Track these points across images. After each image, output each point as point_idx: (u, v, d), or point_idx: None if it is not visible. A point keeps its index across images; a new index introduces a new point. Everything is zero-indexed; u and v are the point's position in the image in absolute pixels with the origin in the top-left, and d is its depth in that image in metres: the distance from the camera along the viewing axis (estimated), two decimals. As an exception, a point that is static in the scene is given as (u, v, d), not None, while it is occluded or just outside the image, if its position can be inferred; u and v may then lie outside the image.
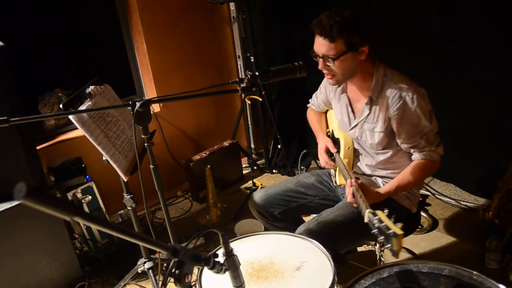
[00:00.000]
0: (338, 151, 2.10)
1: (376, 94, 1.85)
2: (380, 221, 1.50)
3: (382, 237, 1.47)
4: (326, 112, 2.39)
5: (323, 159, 2.17)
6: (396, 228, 1.44)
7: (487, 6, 2.56)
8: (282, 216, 2.17)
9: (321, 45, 1.77)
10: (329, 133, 2.29)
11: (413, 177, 1.88)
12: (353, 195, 1.76)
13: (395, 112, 1.80)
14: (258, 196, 2.20)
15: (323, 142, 2.20)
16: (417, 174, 1.88)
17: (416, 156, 1.88)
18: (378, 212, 1.55)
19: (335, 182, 2.13)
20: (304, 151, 2.75)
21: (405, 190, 1.96)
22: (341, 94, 2.05)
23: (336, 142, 2.16)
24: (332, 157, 2.14)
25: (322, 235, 1.83)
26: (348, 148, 2.07)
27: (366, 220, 1.60)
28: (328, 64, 1.80)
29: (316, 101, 2.33)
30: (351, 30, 1.70)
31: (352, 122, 2.02)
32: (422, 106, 1.77)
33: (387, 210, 1.56)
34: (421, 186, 2.09)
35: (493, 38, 2.60)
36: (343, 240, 1.97)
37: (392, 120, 1.83)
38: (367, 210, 1.60)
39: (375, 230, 1.51)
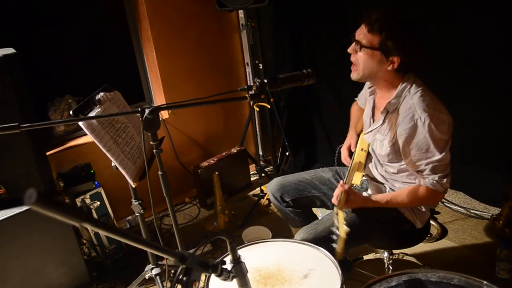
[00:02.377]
0: (356, 150, 2.14)
1: (393, 107, 1.81)
2: (338, 220, 1.61)
3: (335, 237, 1.58)
4: None
5: (343, 154, 2.24)
6: (342, 231, 1.56)
7: (504, 13, 2.55)
8: (294, 204, 2.23)
9: (360, 30, 1.78)
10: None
11: (407, 199, 1.83)
12: (337, 197, 1.82)
13: (402, 132, 1.76)
14: (275, 181, 2.30)
15: (349, 139, 2.26)
16: (413, 198, 1.83)
17: (419, 181, 1.83)
18: (339, 212, 1.65)
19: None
20: (341, 145, 2.74)
21: (396, 207, 1.91)
22: (369, 96, 2.05)
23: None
24: (352, 156, 2.17)
25: (320, 239, 1.83)
26: (362, 149, 2.09)
27: (333, 218, 1.70)
28: (356, 49, 1.79)
29: (362, 98, 2.31)
30: (392, 33, 1.69)
31: (369, 127, 2.02)
32: (433, 134, 1.69)
33: (345, 213, 1.66)
34: (431, 206, 2.02)
35: (505, 45, 2.59)
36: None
37: (399, 139, 1.79)
38: (335, 207, 1.70)
39: (333, 228, 1.63)
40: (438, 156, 1.72)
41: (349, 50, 1.83)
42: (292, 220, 2.30)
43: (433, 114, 1.70)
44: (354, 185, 2.07)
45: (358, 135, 2.28)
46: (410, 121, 1.73)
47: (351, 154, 2.22)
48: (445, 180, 1.77)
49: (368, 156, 2.09)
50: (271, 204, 3.55)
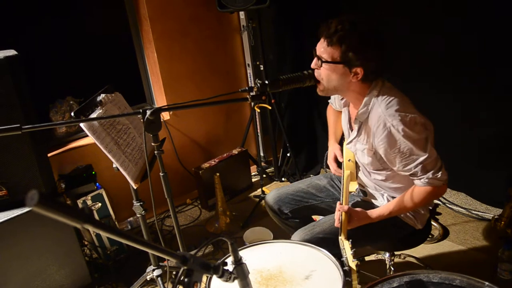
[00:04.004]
0: (343, 162, 2.11)
1: (364, 117, 1.78)
2: (345, 251, 1.55)
3: (347, 267, 1.50)
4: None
5: (332, 167, 2.19)
6: (352, 264, 1.49)
7: (504, 12, 2.54)
8: (293, 215, 2.20)
9: (320, 44, 1.73)
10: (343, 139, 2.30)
11: (412, 202, 1.79)
12: (339, 221, 1.76)
13: (380, 143, 1.72)
14: (271, 194, 2.26)
15: (332, 149, 2.22)
16: (418, 199, 1.78)
17: (417, 183, 1.77)
18: (345, 242, 1.59)
19: None
20: (328, 152, 2.76)
21: (401, 214, 1.89)
22: (344, 107, 2.02)
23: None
24: (340, 166, 2.15)
25: (315, 241, 1.82)
26: (349, 160, 2.06)
27: (340, 246, 1.63)
28: (318, 64, 1.74)
29: (334, 101, 2.26)
30: (351, 44, 1.63)
31: (348, 137, 2.00)
32: (410, 136, 1.65)
33: (351, 241, 1.59)
34: (428, 205, 2.00)
35: (505, 45, 2.59)
36: (337, 246, 1.96)
37: (379, 150, 1.76)
38: (340, 237, 1.64)
39: (343, 258, 1.56)
40: (423, 156, 1.68)
41: (312, 66, 1.77)
42: (293, 231, 2.27)
43: (404, 117, 1.65)
44: (352, 193, 2.06)
45: (340, 143, 2.26)
46: (384, 130, 1.68)
47: (339, 164, 2.19)
48: (440, 173, 1.71)
49: (357, 165, 2.07)
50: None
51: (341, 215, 1.75)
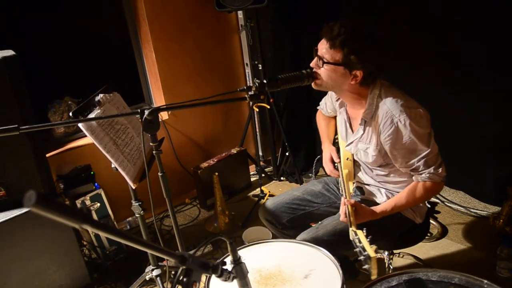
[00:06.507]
0: (341, 161, 2.09)
1: (369, 116, 1.80)
2: (359, 240, 1.52)
3: (362, 257, 1.49)
4: (335, 117, 2.36)
5: (328, 168, 2.16)
6: (371, 251, 1.45)
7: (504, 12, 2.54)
8: (291, 224, 2.16)
9: (322, 45, 1.75)
10: (336, 140, 2.29)
11: (412, 198, 1.83)
12: (346, 215, 1.75)
13: (386, 138, 1.75)
14: (266, 205, 2.22)
15: (328, 151, 2.20)
16: (417, 195, 1.82)
17: (416, 178, 1.83)
18: (358, 232, 1.56)
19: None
20: (318, 156, 2.80)
21: (402, 210, 1.90)
22: (340, 108, 2.03)
23: (338, 151, 2.16)
24: (336, 166, 2.13)
25: (321, 243, 1.81)
26: (347, 158, 2.06)
27: (351, 237, 1.61)
28: (319, 64, 1.76)
29: (325, 107, 2.30)
30: (354, 48, 1.66)
31: (348, 138, 2.00)
32: (416, 131, 1.70)
33: (365, 230, 1.57)
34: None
35: (505, 44, 2.59)
36: (341, 247, 1.95)
37: (385, 146, 1.78)
38: (350, 229, 1.62)
39: (357, 249, 1.53)
40: (426, 151, 1.73)
41: (312, 64, 1.79)
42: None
43: (410, 112, 1.70)
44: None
45: (334, 143, 2.25)
46: (391, 125, 1.72)
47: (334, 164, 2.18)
48: (440, 169, 1.78)
49: (355, 164, 2.07)
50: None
51: (348, 208, 1.74)
